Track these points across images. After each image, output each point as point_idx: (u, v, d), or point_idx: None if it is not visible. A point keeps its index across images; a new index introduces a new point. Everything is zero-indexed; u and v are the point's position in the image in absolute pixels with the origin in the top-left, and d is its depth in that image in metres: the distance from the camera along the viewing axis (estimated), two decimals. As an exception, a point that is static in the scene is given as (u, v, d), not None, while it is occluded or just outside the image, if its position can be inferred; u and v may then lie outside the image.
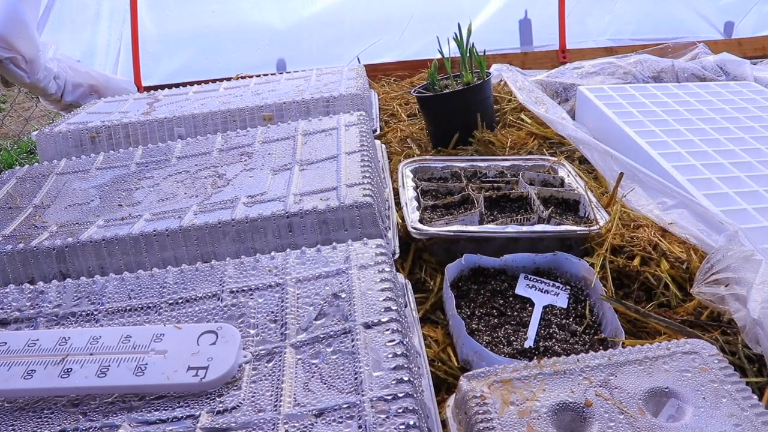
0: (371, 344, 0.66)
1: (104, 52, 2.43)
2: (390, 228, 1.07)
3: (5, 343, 0.69)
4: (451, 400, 0.75)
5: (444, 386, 0.89)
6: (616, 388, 0.69)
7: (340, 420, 0.58)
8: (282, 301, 0.75)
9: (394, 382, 0.61)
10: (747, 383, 0.70)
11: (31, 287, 0.83)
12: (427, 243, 1.15)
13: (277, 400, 0.61)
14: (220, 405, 0.61)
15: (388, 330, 0.68)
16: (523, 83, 1.92)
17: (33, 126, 3.53)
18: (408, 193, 1.27)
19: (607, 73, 1.99)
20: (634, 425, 0.64)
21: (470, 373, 0.72)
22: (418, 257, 1.17)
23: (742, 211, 1.17)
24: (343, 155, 1.13)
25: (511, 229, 1.11)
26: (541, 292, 1.04)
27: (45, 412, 0.63)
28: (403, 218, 1.18)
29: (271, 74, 1.83)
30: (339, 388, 0.62)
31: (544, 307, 1.01)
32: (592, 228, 1.12)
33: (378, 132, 1.58)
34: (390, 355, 0.64)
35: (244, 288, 0.78)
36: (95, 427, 0.60)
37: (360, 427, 0.57)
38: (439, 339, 0.98)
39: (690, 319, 0.97)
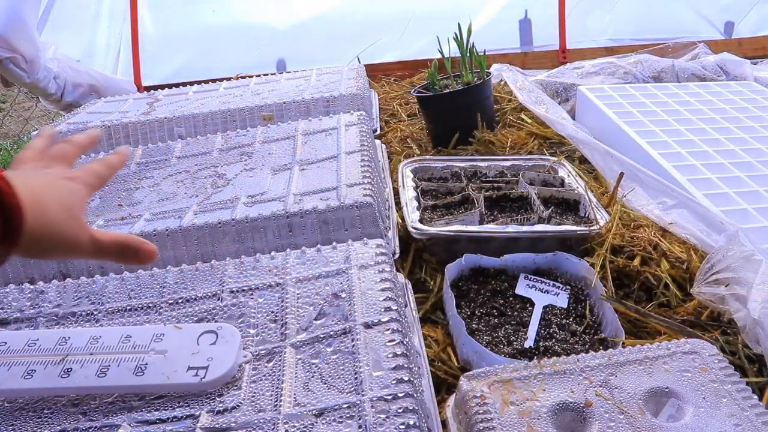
0: (371, 344, 0.66)
1: (104, 52, 2.43)
2: (390, 228, 1.07)
3: (5, 343, 0.69)
4: (451, 400, 0.75)
5: (444, 386, 0.89)
6: (616, 388, 0.69)
7: (340, 420, 0.58)
8: (282, 301, 0.75)
9: (394, 382, 0.61)
10: (747, 383, 0.70)
11: (31, 287, 0.83)
12: (427, 243, 1.15)
13: (277, 400, 0.61)
14: (220, 405, 0.61)
15: (388, 330, 0.68)
16: (523, 83, 1.92)
17: (33, 126, 3.54)
18: (408, 193, 1.27)
19: (607, 73, 1.99)
20: (634, 425, 0.64)
21: (470, 373, 0.72)
22: (418, 257, 1.17)
23: (742, 211, 1.17)
24: (343, 155, 1.13)
25: (512, 229, 1.11)
26: (541, 292, 1.04)
27: (45, 412, 0.63)
28: (403, 218, 1.18)
29: (271, 74, 1.83)
30: (339, 388, 0.62)
31: (544, 307, 1.01)
32: (592, 228, 1.12)
33: (378, 132, 1.58)
34: (390, 355, 0.64)
35: (244, 288, 0.78)
36: (95, 427, 0.60)
37: (360, 427, 0.57)
38: (439, 339, 0.98)
39: (690, 319, 0.97)
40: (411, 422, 0.56)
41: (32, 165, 0.64)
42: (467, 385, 0.70)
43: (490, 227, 1.12)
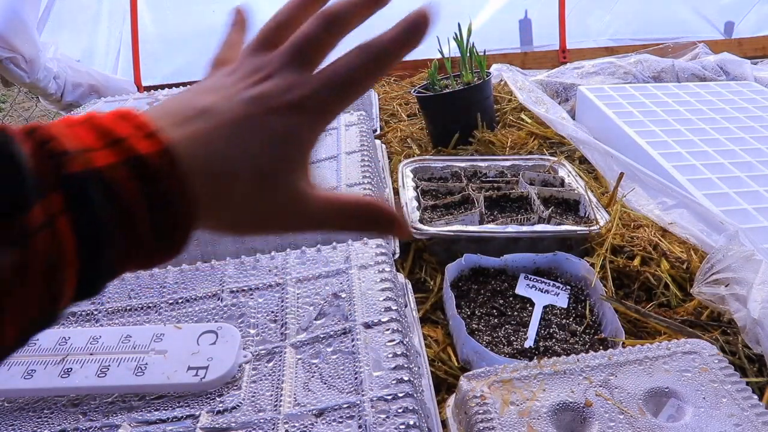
0: (371, 344, 0.66)
1: (104, 52, 2.43)
2: (390, 228, 1.06)
3: (5, 342, 0.69)
4: (451, 400, 0.75)
5: (444, 386, 0.89)
6: (616, 388, 0.69)
7: (340, 420, 0.58)
8: (282, 301, 0.75)
9: (394, 381, 0.61)
10: (747, 383, 0.70)
11: (31, 287, 0.82)
12: (427, 243, 1.15)
13: (277, 400, 0.61)
14: (220, 405, 0.61)
15: (388, 330, 0.68)
16: (523, 83, 1.92)
17: (33, 126, 3.52)
18: (408, 193, 1.27)
19: (607, 73, 1.99)
20: (634, 425, 0.64)
21: (470, 373, 0.72)
22: (418, 257, 1.17)
23: (742, 211, 1.17)
24: (343, 155, 1.13)
25: (512, 229, 1.11)
26: (541, 292, 1.04)
27: (45, 412, 0.63)
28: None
29: (271, 74, 1.83)
30: (339, 388, 0.62)
31: (544, 307, 1.01)
32: (592, 228, 1.12)
33: (378, 132, 1.58)
34: (390, 355, 0.64)
35: (244, 288, 0.78)
36: (95, 427, 0.60)
37: (360, 426, 0.57)
38: (439, 339, 0.98)
39: (690, 319, 0.97)
40: (411, 422, 0.56)
41: (218, 74, 0.39)
42: (467, 385, 0.70)
43: (490, 227, 1.12)
